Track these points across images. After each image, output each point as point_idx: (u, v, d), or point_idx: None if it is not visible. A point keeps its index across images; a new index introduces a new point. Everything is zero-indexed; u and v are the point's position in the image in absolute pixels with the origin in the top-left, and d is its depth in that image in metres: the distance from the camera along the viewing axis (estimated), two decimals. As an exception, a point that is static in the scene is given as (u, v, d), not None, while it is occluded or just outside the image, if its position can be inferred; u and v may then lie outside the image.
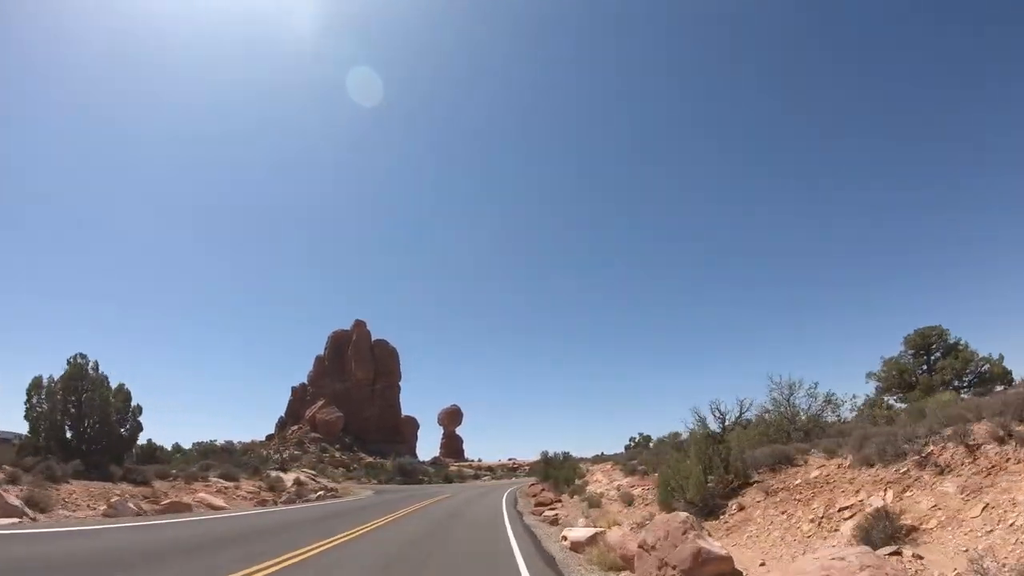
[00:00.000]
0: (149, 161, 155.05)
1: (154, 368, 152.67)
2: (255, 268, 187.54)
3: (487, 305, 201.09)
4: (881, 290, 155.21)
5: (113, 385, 23.15)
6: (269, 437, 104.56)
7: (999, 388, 20.95)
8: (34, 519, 13.41)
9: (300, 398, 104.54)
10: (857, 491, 10.08)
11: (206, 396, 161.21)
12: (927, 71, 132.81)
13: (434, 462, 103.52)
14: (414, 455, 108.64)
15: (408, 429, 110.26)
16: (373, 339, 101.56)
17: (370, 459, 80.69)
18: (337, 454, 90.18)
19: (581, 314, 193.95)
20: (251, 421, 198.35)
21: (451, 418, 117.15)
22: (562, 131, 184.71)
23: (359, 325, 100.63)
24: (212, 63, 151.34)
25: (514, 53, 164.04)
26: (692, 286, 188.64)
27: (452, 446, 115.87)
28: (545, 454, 48.10)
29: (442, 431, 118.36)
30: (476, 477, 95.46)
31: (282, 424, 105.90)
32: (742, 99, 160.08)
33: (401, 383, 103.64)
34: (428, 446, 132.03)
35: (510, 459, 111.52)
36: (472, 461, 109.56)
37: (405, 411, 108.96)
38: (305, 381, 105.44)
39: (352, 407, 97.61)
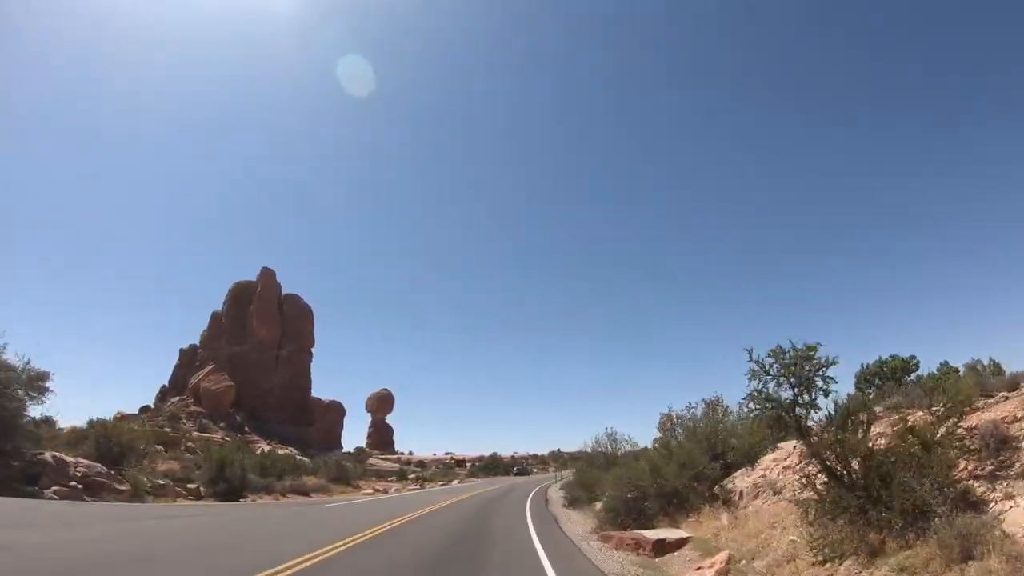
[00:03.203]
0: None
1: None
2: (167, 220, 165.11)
3: (442, 293, 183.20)
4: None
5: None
6: (143, 409, 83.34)
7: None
8: None
9: (188, 363, 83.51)
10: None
11: (78, 358, 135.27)
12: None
13: (357, 454, 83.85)
14: (337, 444, 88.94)
15: (329, 414, 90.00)
16: (283, 292, 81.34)
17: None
18: (220, 435, 69.65)
19: (548, 314, 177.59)
20: (137, 390, 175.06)
21: (380, 404, 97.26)
22: (554, 125, 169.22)
23: (266, 274, 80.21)
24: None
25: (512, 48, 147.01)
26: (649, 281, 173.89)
27: (380, 436, 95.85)
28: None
29: (370, 419, 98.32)
30: (401, 475, 75.22)
31: (163, 394, 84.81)
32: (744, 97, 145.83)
33: (314, 350, 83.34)
34: (356, 436, 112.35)
35: (448, 454, 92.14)
36: (401, 454, 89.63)
37: (332, 396, 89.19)
38: (197, 342, 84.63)
39: (249, 375, 77.22)
